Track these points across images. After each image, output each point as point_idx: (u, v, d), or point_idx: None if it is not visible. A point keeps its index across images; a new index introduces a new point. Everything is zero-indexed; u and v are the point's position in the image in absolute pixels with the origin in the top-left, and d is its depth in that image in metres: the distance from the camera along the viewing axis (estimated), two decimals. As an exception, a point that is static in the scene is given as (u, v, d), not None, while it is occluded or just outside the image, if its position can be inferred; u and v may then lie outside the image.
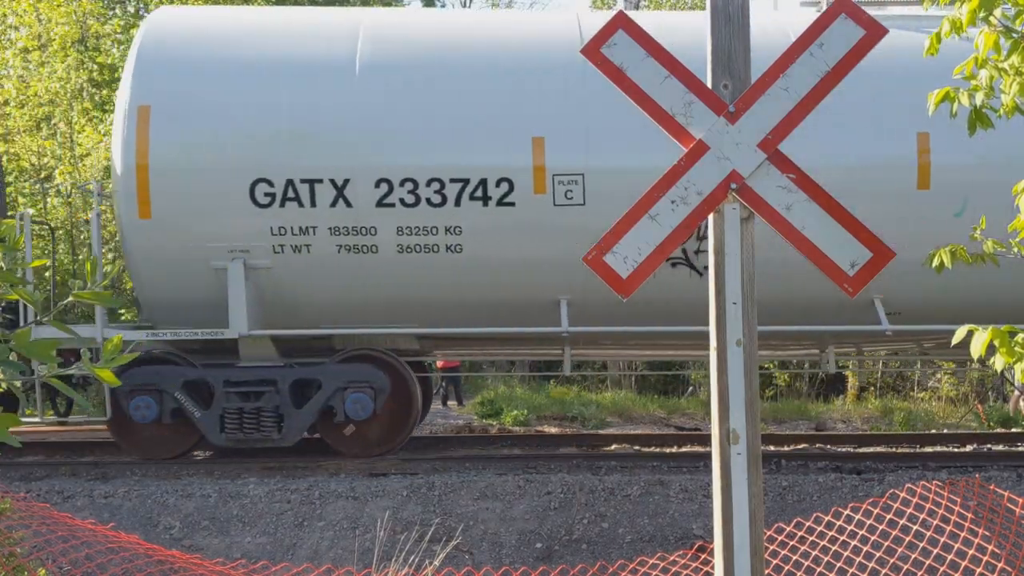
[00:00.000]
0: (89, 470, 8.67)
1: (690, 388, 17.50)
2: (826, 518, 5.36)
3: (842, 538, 5.31)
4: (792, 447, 10.26)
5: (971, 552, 5.01)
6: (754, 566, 3.09)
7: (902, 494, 5.35)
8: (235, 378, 8.75)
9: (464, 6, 28.08)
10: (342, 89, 8.60)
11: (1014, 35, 3.47)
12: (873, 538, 5.39)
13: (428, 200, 8.45)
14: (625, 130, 7.68)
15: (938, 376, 16.50)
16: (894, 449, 10.26)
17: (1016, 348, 3.21)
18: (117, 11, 20.33)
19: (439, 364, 14.78)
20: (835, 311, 8.62)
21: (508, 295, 8.66)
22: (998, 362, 3.24)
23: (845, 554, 5.21)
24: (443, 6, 25.98)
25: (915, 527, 5.28)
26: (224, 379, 8.72)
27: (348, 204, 8.44)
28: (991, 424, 13.00)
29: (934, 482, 5.47)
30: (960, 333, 3.32)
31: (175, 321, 8.77)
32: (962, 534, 5.14)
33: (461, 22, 10.58)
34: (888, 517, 5.40)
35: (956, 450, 10.03)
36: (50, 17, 18.45)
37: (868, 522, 5.40)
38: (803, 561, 5.13)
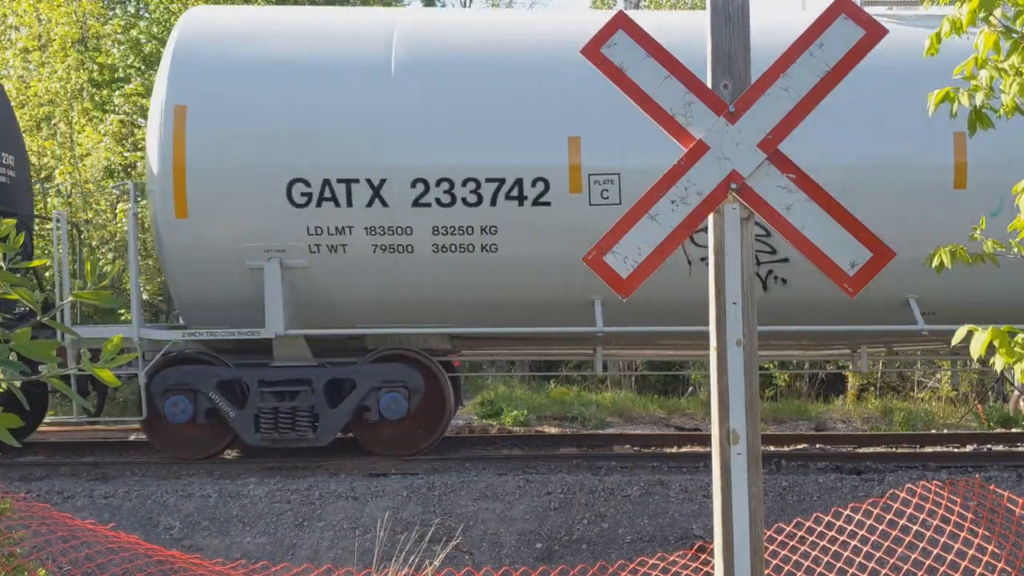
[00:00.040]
0: (89, 470, 8.67)
1: (690, 388, 17.48)
2: (826, 518, 5.36)
3: (842, 538, 5.31)
4: (792, 447, 10.26)
5: (971, 552, 5.01)
6: (754, 566, 3.10)
7: (902, 494, 5.35)
8: (270, 378, 8.77)
9: (464, 6, 28.08)
10: (378, 89, 8.61)
11: (1014, 35, 3.47)
12: (873, 538, 5.39)
13: (464, 200, 8.47)
14: (661, 130, 7.70)
15: (938, 376, 16.49)
16: (894, 449, 10.25)
17: (1016, 348, 3.21)
18: (117, 11, 20.34)
19: None
20: (870, 311, 8.64)
21: (542, 295, 8.66)
22: (998, 362, 3.24)
23: (845, 554, 5.21)
24: (443, 6, 25.98)
25: (915, 527, 5.28)
26: (259, 379, 8.74)
27: (384, 204, 8.45)
28: (991, 424, 12.99)
29: (934, 482, 5.47)
30: (960, 333, 3.32)
31: (209, 321, 8.79)
32: (962, 534, 5.14)
33: (496, 21, 10.57)
34: (888, 517, 5.40)
35: (956, 450, 10.02)
36: (50, 17, 18.44)
37: (868, 522, 5.40)
38: (803, 561, 5.13)
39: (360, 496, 7.56)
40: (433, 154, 8.50)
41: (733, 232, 3.15)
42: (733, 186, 3.13)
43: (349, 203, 8.45)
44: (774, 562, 5.11)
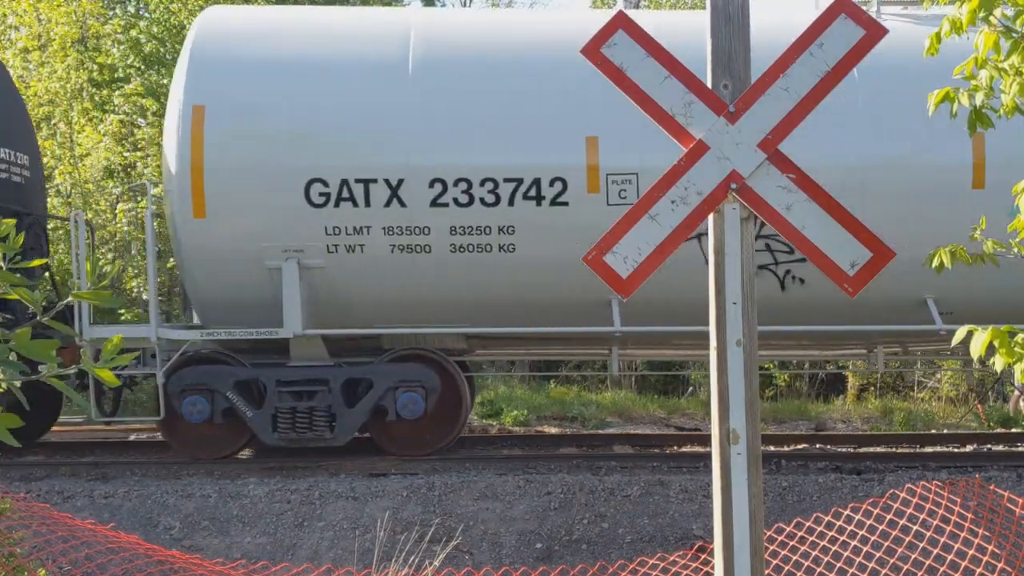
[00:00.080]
0: (89, 470, 8.67)
1: (690, 388, 17.48)
2: (826, 518, 5.36)
3: (842, 538, 5.31)
4: (792, 447, 10.26)
5: (971, 552, 5.01)
6: (754, 566, 3.09)
7: (902, 494, 5.35)
8: (288, 378, 8.77)
9: (464, 6, 28.09)
10: (396, 89, 8.62)
11: (1014, 35, 3.47)
12: (873, 538, 5.39)
13: (482, 200, 8.48)
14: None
15: (938, 376, 16.49)
16: (894, 449, 10.25)
17: (1016, 348, 3.21)
18: (117, 11, 20.33)
19: None
20: (888, 311, 8.66)
21: (560, 295, 8.65)
22: (998, 362, 3.24)
23: (845, 554, 5.21)
24: (443, 5, 25.98)
25: (915, 527, 5.28)
26: (276, 379, 8.75)
27: (402, 204, 8.46)
28: (991, 424, 12.99)
29: (934, 482, 5.47)
30: (960, 333, 3.32)
31: (226, 320, 8.80)
32: (962, 534, 5.14)
33: (512, 21, 10.57)
34: (888, 517, 5.40)
35: (956, 450, 10.02)
36: (50, 17, 18.44)
37: (868, 522, 5.40)
38: (803, 561, 5.13)
39: (360, 496, 7.56)
40: (451, 154, 8.51)
41: (733, 232, 3.15)
42: (733, 186, 3.13)
43: (367, 203, 8.46)
44: (774, 562, 5.11)
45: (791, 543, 5.24)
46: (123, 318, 13.94)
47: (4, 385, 2.73)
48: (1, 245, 2.70)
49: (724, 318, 3.14)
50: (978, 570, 4.93)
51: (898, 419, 13.35)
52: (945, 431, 12.28)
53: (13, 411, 9.06)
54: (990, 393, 15.71)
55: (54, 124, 18.36)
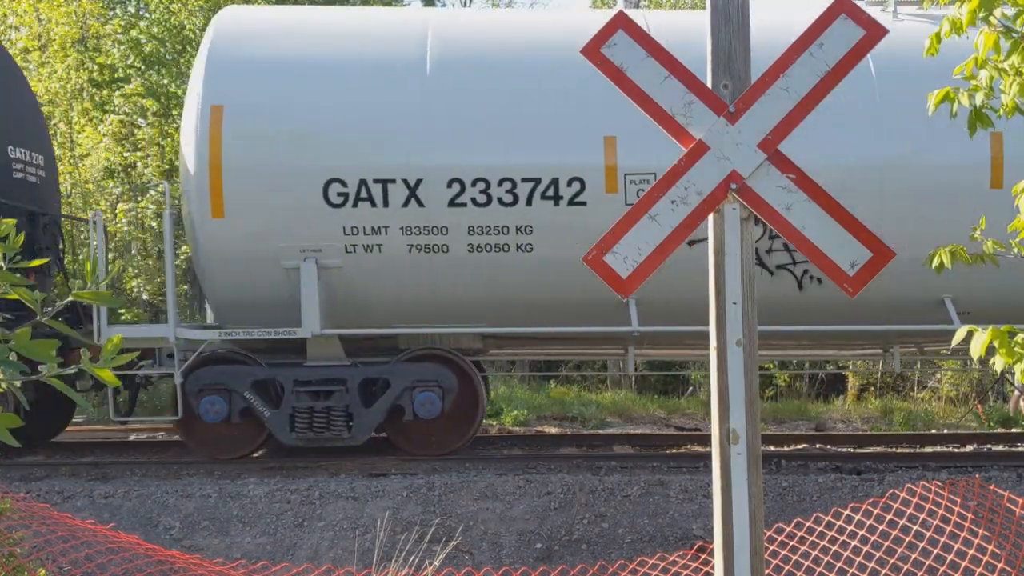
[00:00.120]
0: (89, 470, 8.66)
1: (690, 388, 17.48)
2: (826, 518, 5.36)
3: (842, 538, 5.31)
4: (792, 447, 10.26)
5: (971, 552, 5.01)
6: (754, 566, 3.10)
7: (902, 494, 5.35)
8: (305, 377, 8.78)
9: (464, 6, 28.09)
10: (414, 89, 8.62)
11: (1014, 35, 3.47)
12: (873, 538, 5.39)
13: (500, 200, 8.48)
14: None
15: (938, 376, 16.49)
16: (894, 449, 10.25)
17: (1016, 348, 3.21)
18: (117, 11, 20.33)
19: None
20: (905, 311, 8.67)
21: (577, 295, 8.63)
22: (998, 363, 3.24)
23: (845, 554, 5.21)
24: (443, 5, 25.98)
25: (915, 527, 5.28)
26: (294, 379, 8.75)
27: (420, 204, 8.46)
28: (991, 424, 12.99)
29: (934, 482, 5.47)
30: (960, 333, 3.32)
31: (243, 320, 8.80)
32: (962, 534, 5.14)
33: (529, 22, 10.56)
34: (888, 517, 5.40)
35: (956, 450, 10.02)
36: (50, 17, 18.45)
37: (868, 522, 5.40)
38: (803, 561, 5.13)
39: (360, 496, 7.56)
40: (469, 154, 8.52)
41: (733, 232, 3.15)
42: (733, 186, 3.13)
43: (385, 203, 8.46)
44: (774, 562, 5.11)
45: (791, 543, 5.24)
46: (123, 318, 13.94)
47: (4, 385, 2.73)
48: (1, 245, 2.70)
49: (724, 318, 3.14)
50: (978, 570, 4.93)
51: (898, 419, 13.35)
52: (945, 431, 12.28)
53: (20, 411, 9.11)
54: (990, 393, 15.71)
55: (54, 124, 18.37)
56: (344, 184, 8.43)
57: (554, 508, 7.43)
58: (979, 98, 3.61)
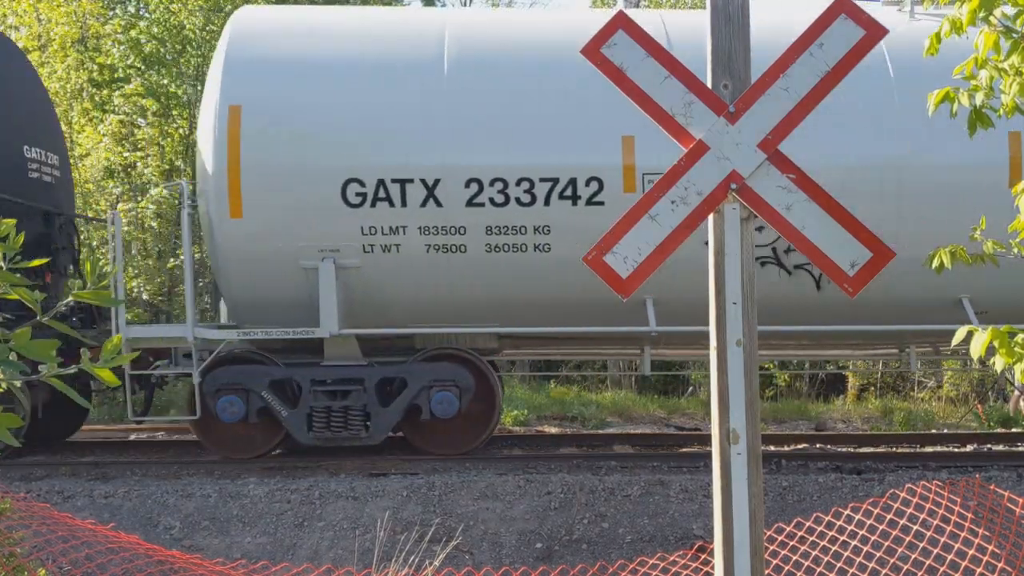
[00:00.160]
0: (89, 470, 8.66)
1: (690, 388, 17.49)
2: (826, 518, 5.36)
3: (842, 538, 5.31)
4: (792, 447, 10.26)
5: (971, 552, 5.01)
6: (754, 566, 3.10)
7: (902, 494, 5.35)
8: (323, 377, 8.78)
9: (464, 5, 28.08)
10: (431, 89, 8.63)
11: (1014, 35, 3.47)
12: (873, 538, 5.39)
13: (517, 200, 8.49)
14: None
15: (938, 376, 16.49)
16: (894, 449, 10.25)
17: (1016, 348, 3.21)
18: (117, 11, 20.33)
19: None
20: (923, 311, 8.67)
21: (594, 295, 8.61)
22: (998, 363, 3.24)
23: (845, 554, 5.21)
24: (443, 5, 25.97)
25: (915, 527, 5.28)
26: (311, 378, 8.76)
27: (438, 204, 8.47)
28: (991, 424, 12.99)
29: (934, 482, 5.47)
30: (960, 333, 3.32)
31: (260, 320, 8.80)
32: (962, 534, 5.14)
33: (546, 21, 10.56)
34: (888, 517, 5.40)
35: (956, 450, 10.02)
36: (50, 17, 18.44)
37: (868, 522, 5.40)
38: (803, 561, 5.13)
39: (360, 496, 7.56)
40: (487, 154, 8.52)
41: (733, 232, 3.15)
42: (733, 186, 3.13)
43: (403, 203, 8.47)
44: (774, 562, 5.11)
45: (791, 543, 5.24)
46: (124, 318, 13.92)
47: (3, 385, 2.73)
48: (1, 245, 2.70)
49: (724, 318, 3.14)
50: (978, 570, 4.93)
51: (898, 419, 13.35)
52: (945, 431, 12.28)
53: (36, 411, 9.03)
54: (990, 393, 15.71)
55: (54, 124, 18.34)
56: (362, 184, 8.44)
57: (554, 508, 7.43)
58: (979, 98, 3.61)
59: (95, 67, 18.85)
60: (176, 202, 18.23)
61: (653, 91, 3.19)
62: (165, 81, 18.65)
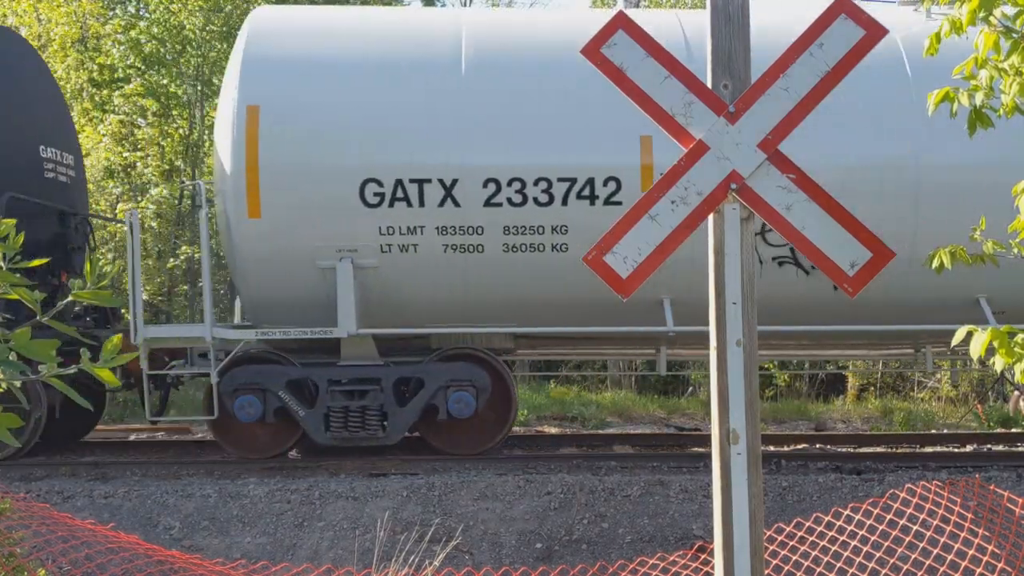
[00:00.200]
0: (89, 470, 8.66)
1: (690, 388, 17.49)
2: (826, 518, 5.36)
3: (842, 538, 5.31)
4: (792, 447, 10.26)
5: (971, 552, 5.01)
6: (754, 566, 3.09)
7: (902, 494, 5.35)
8: (340, 377, 8.78)
9: (464, 5, 28.07)
10: (449, 89, 8.63)
11: (1014, 35, 3.47)
12: (873, 538, 5.39)
13: (535, 200, 8.48)
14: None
15: (938, 376, 16.49)
16: (894, 449, 10.26)
17: (1015, 348, 3.21)
18: (117, 11, 20.34)
19: None
20: (940, 311, 8.65)
21: (611, 295, 8.64)
22: (998, 363, 3.24)
23: (845, 554, 5.21)
24: (443, 5, 25.97)
25: (915, 527, 5.28)
26: (328, 378, 8.77)
27: (456, 204, 8.47)
28: (991, 424, 13.00)
29: (934, 482, 5.47)
30: (960, 333, 3.32)
31: (276, 320, 8.80)
32: (962, 534, 5.14)
33: (565, 21, 10.55)
34: (888, 517, 5.40)
35: (956, 450, 10.03)
36: (50, 17, 18.45)
37: (868, 522, 5.40)
38: (803, 561, 5.13)
39: (360, 496, 7.56)
40: (505, 154, 8.51)
41: (733, 232, 3.15)
42: (733, 186, 3.13)
43: (421, 203, 8.46)
44: (774, 562, 5.11)
45: (791, 543, 5.24)
46: (125, 318, 13.93)
47: (3, 385, 2.72)
48: (1, 245, 2.70)
49: (724, 318, 3.14)
50: (978, 570, 4.93)
51: (898, 419, 13.35)
52: (945, 431, 12.29)
53: (54, 412, 8.98)
54: (990, 393, 15.72)
55: (54, 124, 18.33)
56: (380, 184, 8.43)
57: (554, 508, 7.43)
58: (979, 98, 3.61)
59: (95, 67, 18.85)
60: (176, 202, 18.24)
61: (653, 91, 3.19)
62: (165, 81, 18.65)
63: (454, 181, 8.44)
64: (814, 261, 3.16)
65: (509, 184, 8.45)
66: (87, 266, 2.74)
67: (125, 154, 17.93)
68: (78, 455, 9.71)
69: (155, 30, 18.43)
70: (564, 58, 8.80)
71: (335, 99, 8.60)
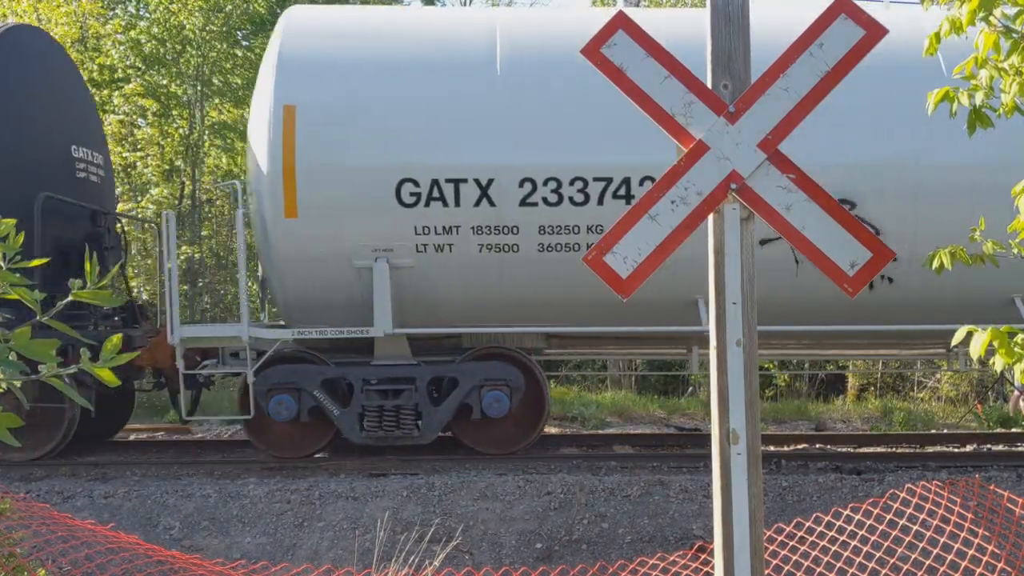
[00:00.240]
0: (89, 470, 8.67)
1: (690, 388, 17.49)
2: (826, 518, 5.36)
3: (842, 538, 5.31)
4: (792, 447, 10.26)
5: (971, 552, 5.01)
6: (754, 566, 3.09)
7: (902, 494, 5.35)
8: (375, 376, 8.80)
9: (463, 5, 28.07)
10: (485, 89, 8.63)
11: (1014, 35, 3.47)
12: (873, 538, 5.39)
13: (571, 199, 8.48)
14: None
15: (938, 376, 16.49)
16: (894, 449, 10.25)
17: (1015, 348, 3.21)
18: (117, 11, 20.33)
19: None
20: (975, 310, 8.59)
21: (645, 294, 8.58)
22: (998, 363, 3.24)
23: (845, 554, 5.21)
24: (443, 4, 25.97)
25: (915, 527, 5.28)
26: (363, 377, 8.78)
27: (491, 203, 8.47)
28: (991, 424, 12.99)
29: (934, 482, 5.47)
30: (960, 334, 3.32)
31: (311, 320, 8.81)
32: (962, 534, 5.14)
33: (596, 20, 10.53)
34: (888, 517, 5.40)
35: (956, 450, 10.02)
36: (50, 17, 18.45)
37: (868, 522, 5.40)
38: (803, 561, 5.13)
39: (360, 496, 7.56)
40: (540, 153, 8.51)
41: (733, 232, 3.15)
42: (733, 186, 3.13)
43: (457, 203, 8.46)
44: (774, 562, 5.11)
45: (791, 543, 5.24)
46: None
47: (4, 385, 2.72)
48: (1, 245, 2.70)
49: (724, 318, 3.14)
50: (978, 570, 4.93)
51: (898, 419, 13.35)
52: (945, 431, 12.28)
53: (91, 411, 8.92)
54: (990, 393, 15.72)
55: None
56: (416, 184, 8.43)
57: (554, 508, 7.43)
58: (979, 98, 3.61)
59: (95, 67, 18.85)
60: (176, 203, 18.25)
61: (653, 91, 3.19)
62: (165, 81, 18.65)
63: (490, 181, 8.44)
64: (814, 261, 3.16)
65: (545, 184, 8.45)
66: (87, 266, 2.74)
67: (125, 154, 17.93)
68: (78, 455, 9.70)
69: (155, 30, 18.43)
70: None
71: (371, 99, 8.59)
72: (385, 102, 8.58)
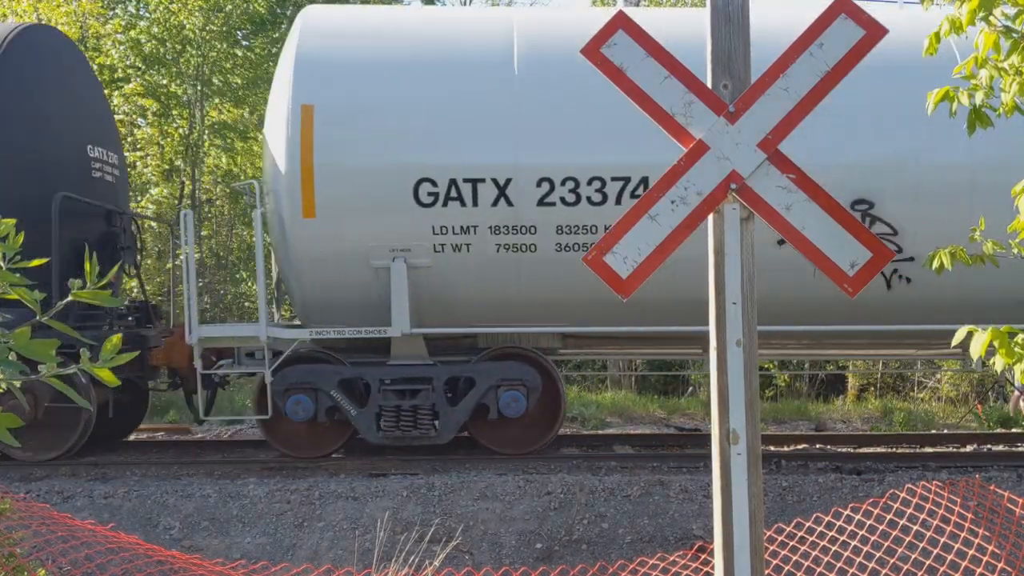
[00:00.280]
0: (89, 470, 8.66)
1: (690, 388, 17.49)
2: (826, 518, 5.36)
3: (842, 538, 5.31)
4: (792, 447, 10.26)
5: (971, 552, 5.01)
6: (754, 566, 3.09)
7: (902, 494, 5.35)
8: (392, 376, 8.80)
9: (463, 4, 28.07)
10: (502, 88, 8.61)
11: (1014, 35, 3.47)
12: (873, 538, 5.39)
13: (589, 199, 8.46)
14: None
15: (938, 376, 16.49)
16: (894, 449, 10.25)
17: (1016, 348, 3.21)
18: (117, 11, 20.33)
19: None
20: (994, 310, 8.56)
21: (663, 294, 8.57)
22: (998, 363, 3.24)
23: (845, 554, 5.21)
24: (443, 4, 25.97)
25: (915, 527, 5.28)
26: (380, 377, 8.78)
27: (509, 203, 8.46)
28: (991, 424, 12.99)
29: (934, 482, 5.47)
30: (960, 334, 3.32)
31: (328, 319, 8.80)
32: (962, 534, 5.14)
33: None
34: (888, 517, 5.40)
35: (956, 450, 10.02)
36: (50, 17, 18.44)
37: (868, 522, 5.40)
38: (803, 561, 5.13)
39: (360, 496, 7.56)
40: (558, 153, 8.49)
41: (733, 232, 3.15)
42: (733, 186, 3.13)
43: (475, 203, 8.45)
44: (774, 562, 5.11)
45: (791, 543, 5.24)
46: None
47: (3, 385, 2.72)
48: (2, 245, 2.69)
49: (724, 318, 3.14)
50: (978, 570, 4.93)
51: (898, 419, 13.35)
52: (945, 431, 12.28)
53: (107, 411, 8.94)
54: (990, 393, 15.72)
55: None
56: (434, 184, 8.42)
57: (554, 508, 7.43)
58: (979, 97, 3.61)
59: (95, 67, 18.83)
60: (176, 202, 18.25)
61: (653, 91, 3.19)
62: (165, 81, 18.65)
63: (508, 180, 8.43)
64: (814, 261, 3.16)
65: (563, 183, 8.43)
66: (87, 265, 2.73)
67: (125, 154, 17.92)
68: (77, 455, 9.70)
69: (155, 30, 18.42)
70: None
71: (389, 98, 8.58)
72: (402, 102, 8.57)
